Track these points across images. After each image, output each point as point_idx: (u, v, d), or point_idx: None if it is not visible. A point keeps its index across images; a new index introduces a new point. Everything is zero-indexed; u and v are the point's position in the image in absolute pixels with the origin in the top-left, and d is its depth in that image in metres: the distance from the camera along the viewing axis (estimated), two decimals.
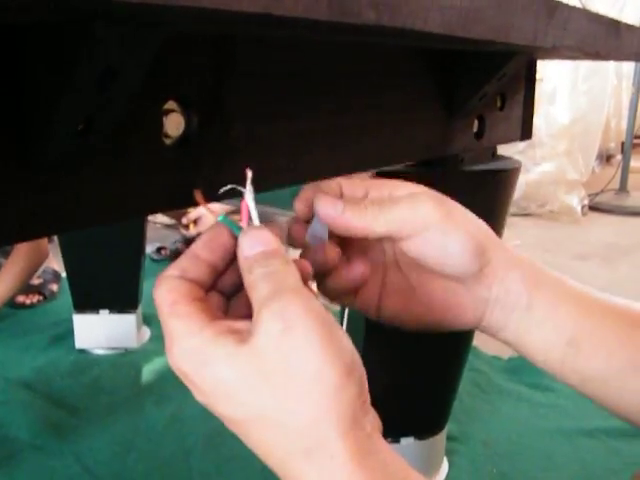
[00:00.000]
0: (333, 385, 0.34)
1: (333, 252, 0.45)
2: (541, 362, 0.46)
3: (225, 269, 0.41)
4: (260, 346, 0.34)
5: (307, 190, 0.45)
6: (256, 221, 0.41)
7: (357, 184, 0.46)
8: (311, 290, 0.40)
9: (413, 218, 0.43)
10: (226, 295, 0.42)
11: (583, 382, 0.45)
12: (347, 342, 0.36)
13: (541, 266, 0.47)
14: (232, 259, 0.41)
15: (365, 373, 0.36)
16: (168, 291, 0.38)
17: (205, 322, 0.36)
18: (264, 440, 0.35)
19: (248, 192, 0.41)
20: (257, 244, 0.39)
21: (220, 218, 0.41)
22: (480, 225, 0.45)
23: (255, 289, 0.37)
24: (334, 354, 0.34)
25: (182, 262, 0.40)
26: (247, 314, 0.39)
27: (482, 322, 0.47)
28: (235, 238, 0.40)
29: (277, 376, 0.34)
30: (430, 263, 0.44)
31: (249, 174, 0.41)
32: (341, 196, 0.46)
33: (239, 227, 0.40)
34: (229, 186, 0.42)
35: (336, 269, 0.45)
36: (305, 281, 0.39)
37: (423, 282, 0.47)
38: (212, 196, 0.48)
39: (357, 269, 0.46)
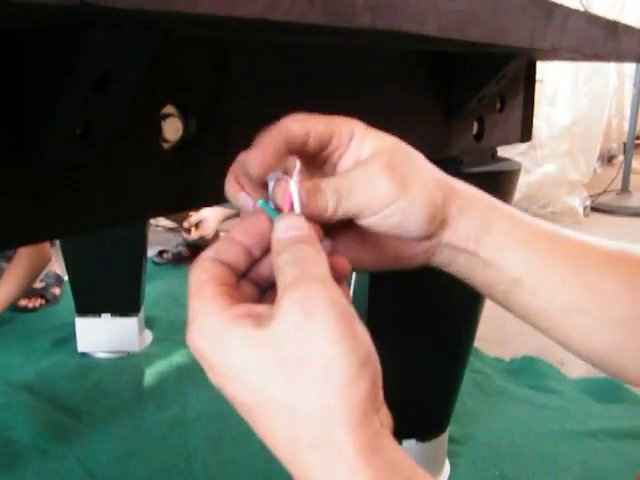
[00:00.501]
0: (345, 377, 0.34)
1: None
2: (486, 295, 0.49)
3: (260, 257, 0.42)
4: (277, 332, 0.34)
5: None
6: (297, 210, 0.41)
7: (322, 128, 0.44)
8: (343, 288, 0.40)
9: (371, 201, 0.43)
10: (260, 288, 0.42)
11: (527, 315, 0.48)
12: (365, 336, 0.36)
13: (495, 204, 0.48)
14: (268, 248, 0.41)
15: (380, 369, 0.36)
16: (199, 272, 0.39)
17: (226, 304, 0.37)
18: (272, 427, 0.35)
19: (293, 181, 0.41)
20: (291, 228, 0.39)
21: (260, 202, 0.41)
22: (435, 181, 0.45)
23: (281, 273, 0.37)
24: (350, 347, 0.34)
25: (218, 244, 0.40)
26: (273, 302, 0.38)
27: (430, 261, 0.48)
28: (272, 225, 0.40)
29: (290, 363, 0.34)
30: (387, 234, 0.45)
31: (297, 164, 0.41)
32: (305, 142, 0.43)
33: (277, 213, 0.41)
34: (275, 173, 0.42)
35: None
36: (340, 280, 0.39)
37: (374, 237, 0.47)
38: (215, 194, 0.48)
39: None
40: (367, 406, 0.35)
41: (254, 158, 0.41)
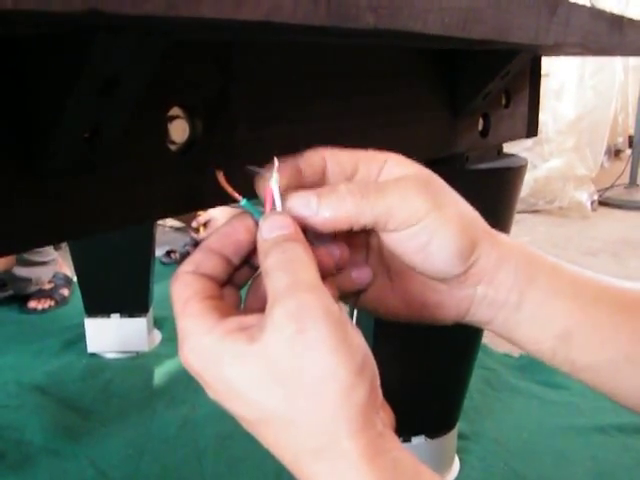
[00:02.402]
0: (344, 385, 0.34)
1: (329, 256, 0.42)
2: (532, 351, 0.45)
3: (240, 264, 0.41)
4: (271, 345, 0.34)
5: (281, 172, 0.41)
6: (279, 208, 0.40)
7: (344, 158, 0.42)
8: (331, 284, 0.40)
9: (400, 211, 0.40)
10: (234, 284, 0.42)
11: (576, 371, 0.45)
12: (359, 340, 0.36)
13: (536, 255, 0.45)
14: (246, 254, 0.41)
15: (377, 370, 0.37)
16: (182, 288, 0.38)
17: (215, 320, 0.36)
18: (276, 439, 0.36)
19: (273, 179, 0.40)
20: (277, 228, 0.38)
21: (243, 202, 0.41)
22: (472, 218, 0.43)
23: (271, 277, 0.36)
24: (345, 355, 0.34)
25: (196, 256, 0.39)
26: (262, 306, 0.38)
27: (465, 318, 0.45)
28: (250, 231, 0.40)
29: (288, 376, 0.34)
30: (413, 261, 0.42)
31: (276, 162, 0.40)
32: (323, 176, 0.42)
33: (261, 213, 0.40)
34: (254, 168, 0.41)
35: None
36: (325, 275, 0.38)
37: (402, 275, 0.45)
38: (223, 195, 0.48)
39: (365, 274, 0.43)
40: (368, 409, 0.35)
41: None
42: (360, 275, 0.44)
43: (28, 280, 2.30)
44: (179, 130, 0.50)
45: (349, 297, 0.45)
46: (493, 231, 0.44)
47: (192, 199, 0.52)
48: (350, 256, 0.43)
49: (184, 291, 0.38)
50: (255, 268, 0.42)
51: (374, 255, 0.46)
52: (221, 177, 0.42)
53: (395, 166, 0.42)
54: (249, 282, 0.42)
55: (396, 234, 0.40)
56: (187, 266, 0.39)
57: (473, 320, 0.45)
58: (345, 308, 0.39)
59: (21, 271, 2.27)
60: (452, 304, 0.44)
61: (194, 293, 0.37)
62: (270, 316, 0.35)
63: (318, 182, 0.42)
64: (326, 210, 0.39)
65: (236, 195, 0.41)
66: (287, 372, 0.34)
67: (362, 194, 0.40)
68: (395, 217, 0.40)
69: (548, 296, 0.43)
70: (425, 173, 0.42)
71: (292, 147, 0.60)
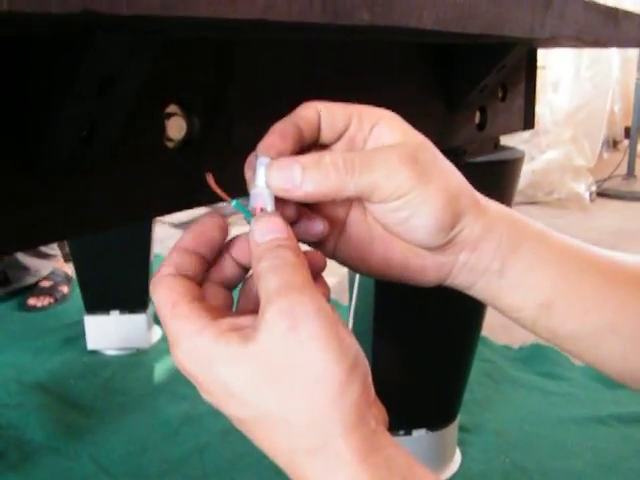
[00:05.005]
0: (337, 383, 0.34)
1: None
2: (514, 319, 0.46)
3: (213, 260, 0.41)
4: (264, 344, 0.35)
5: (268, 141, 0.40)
6: (270, 207, 0.40)
7: (338, 112, 0.41)
8: (322, 283, 0.40)
9: (384, 186, 0.39)
10: (225, 286, 0.41)
11: (556, 339, 0.45)
12: (350, 339, 0.36)
13: (524, 224, 0.44)
14: (219, 250, 0.41)
15: (369, 367, 0.37)
16: (166, 291, 0.38)
17: (206, 321, 0.36)
18: (270, 439, 0.36)
19: (261, 178, 0.40)
20: (269, 231, 0.38)
21: (233, 203, 0.41)
22: (459, 190, 0.42)
23: (263, 280, 0.36)
24: (338, 352, 0.34)
25: (173, 257, 0.39)
26: (254, 308, 0.38)
27: (446, 281, 0.45)
28: (223, 229, 0.40)
29: (281, 376, 0.34)
30: (395, 231, 0.42)
31: (266, 160, 0.40)
32: (319, 129, 0.41)
33: (252, 214, 0.40)
34: (253, 159, 0.41)
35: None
36: (315, 276, 0.39)
37: (385, 237, 0.44)
38: (218, 196, 0.48)
39: (316, 228, 0.42)
40: (361, 407, 0.35)
41: (267, 145, 0.40)
42: (309, 229, 0.43)
43: (26, 269, 2.31)
44: (176, 127, 0.50)
45: (318, 247, 0.45)
46: (482, 200, 0.43)
47: (190, 196, 0.52)
48: (310, 218, 0.42)
49: (170, 294, 0.37)
50: (244, 268, 0.42)
51: (356, 213, 0.45)
52: (210, 179, 0.42)
53: (387, 130, 0.42)
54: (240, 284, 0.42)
55: (379, 206, 0.40)
56: (167, 268, 0.39)
57: (454, 284, 0.45)
58: (343, 309, 0.39)
59: (23, 258, 2.28)
60: (433, 268, 0.44)
61: (180, 296, 0.37)
62: (263, 316, 0.35)
63: (311, 136, 0.41)
64: (309, 184, 0.39)
65: (225, 196, 0.42)
66: (280, 370, 0.34)
67: (346, 169, 0.39)
68: (379, 192, 0.40)
69: (532, 265, 0.43)
70: (415, 142, 0.42)
71: None
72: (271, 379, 0.34)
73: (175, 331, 0.37)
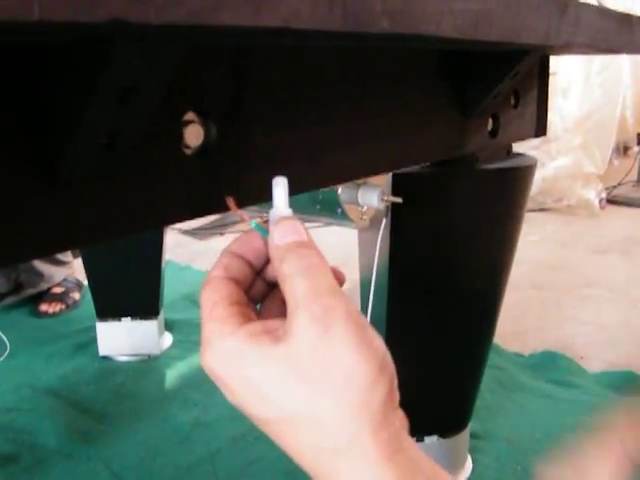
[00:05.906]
0: (366, 383, 0.35)
1: None
2: None
3: (261, 271, 0.42)
4: (297, 346, 0.35)
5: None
6: (287, 211, 0.41)
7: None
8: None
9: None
10: (255, 302, 0.42)
11: None
12: (379, 342, 0.37)
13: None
14: (265, 262, 0.42)
15: (395, 371, 0.37)
16: (210, 292, 0.39)
17: (239, 324, 0.37)
18: (296, 439, 0.36)
19: (281, 183, 0.41)
20: (289, 233, 0.39)
21: (252, 224, 0.42)
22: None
23: (291, 283, 0.37)
24: (367, 354, 0.35)
25: (223, 260, 0.40)
26: (279, 313, 0.39)
27: None
28: (266, 242, 0.41)
29: (312, 376, 0.35)
30: None
31: (280, 181, 0.41)
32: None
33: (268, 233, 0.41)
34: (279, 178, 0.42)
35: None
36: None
37: None
38: (239, 201, 0.49)
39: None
40: (387, 407, 0.36)
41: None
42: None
43: (41, 275, 2.32)
44: (194, 134, 0.51)
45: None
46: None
47: (207, 203, 0.52)
48: None
49: (212, 295, 0.39)
50: (269, 283, 0.42)
51: None
52: (231, 203, 0.44)
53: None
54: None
55: None
56: (216, 270, 0.40)
57: None
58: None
59: (39, 264, 2.29)
60: None
61: (221, 298, 0.38)
62: (295, 320, 0.36)
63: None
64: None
65: (246, 217, 0.43)
66: (311, 370, 0.35)
67: None
68: None
69: None
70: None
71: (306, 151, 0.60)
72: (301, 379, 0.35)
73: (208, 331, 0.38)
